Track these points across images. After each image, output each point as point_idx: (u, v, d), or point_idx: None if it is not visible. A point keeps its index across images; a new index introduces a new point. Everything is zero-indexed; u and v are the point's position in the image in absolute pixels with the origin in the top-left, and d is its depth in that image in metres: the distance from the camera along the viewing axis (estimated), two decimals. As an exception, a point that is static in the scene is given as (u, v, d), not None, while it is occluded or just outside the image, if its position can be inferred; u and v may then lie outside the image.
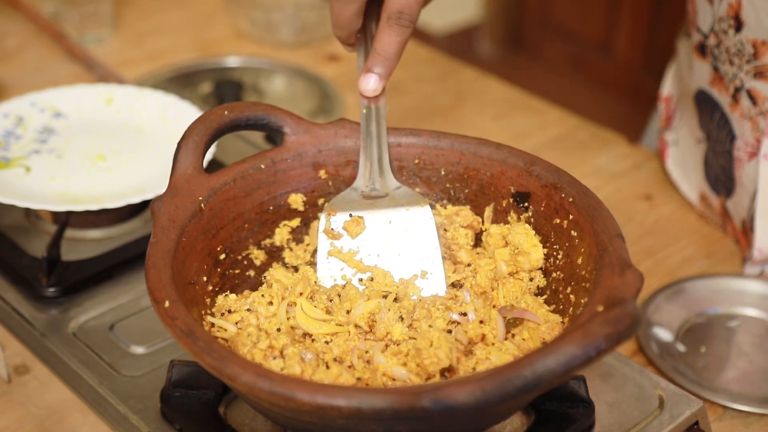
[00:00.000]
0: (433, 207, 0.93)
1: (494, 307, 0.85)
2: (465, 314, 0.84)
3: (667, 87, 1.30)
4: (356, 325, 0.83)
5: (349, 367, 0.79)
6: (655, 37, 2.93)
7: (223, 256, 0.87)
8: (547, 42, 3.33)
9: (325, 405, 0.67)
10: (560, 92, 3.08)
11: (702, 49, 1.13)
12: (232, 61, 1.53)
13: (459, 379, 0.66)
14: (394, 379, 0.77)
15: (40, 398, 0.93)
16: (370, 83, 0.89)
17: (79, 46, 1.53)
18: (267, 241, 0.91)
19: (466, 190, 0.92)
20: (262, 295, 0.84)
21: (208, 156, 1.09)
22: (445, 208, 0.93)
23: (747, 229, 1.14)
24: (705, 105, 1.17)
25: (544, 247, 0.87)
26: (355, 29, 0.90)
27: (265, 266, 0.91)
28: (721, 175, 1.17)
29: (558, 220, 0.86)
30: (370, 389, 0.69)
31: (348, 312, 0.83)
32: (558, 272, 0.85)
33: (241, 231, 0.89)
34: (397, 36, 0.88)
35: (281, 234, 0.92)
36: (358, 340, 0.82)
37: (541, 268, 0.87)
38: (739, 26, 1.06)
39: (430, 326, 0.81)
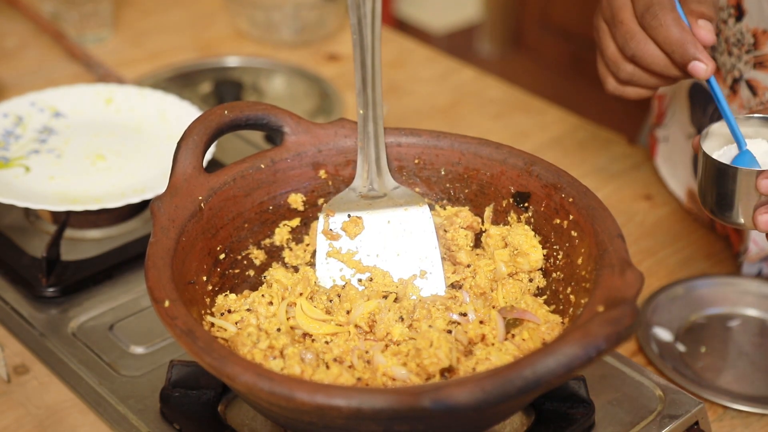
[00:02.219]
0: (432, 207, 0.93)
1: (494, 307, 0.85)
2: (465, 314, 0.84)
3: None
4: (356, 326, 0.83)
5: (349, 367, 0.79)
6: (655, 37, 2.92)
7: (222, 256, 0.87)
8: (547, 42, 3.33)
9: (324, 405, 0.67)
10: (560, 92, 3.08)
11: None
12: (232, 61, 1.53)
13: (459, 379, 0.66)
14: (394, 379, 0.77)
15: (39, 398, 0.93)
16: (701, 69, 0.90)
17: (78, 46, 1.53)
18: (267, 241, 0.91)
19: (466, 190, 0.92)
20: (262, 295, 0.84)
21: (208, 156, 1.09)
22: (445, 209, 0.93)
23: None
24: (699, 98, 1.17)
25: (544, 247, 0.87)
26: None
27: (264, 266, 0.91)
28: None
29: (558, 221, 0.86)
30: (370, 389, 0.69)
31: (348, 312, 0.83)
32: (558, 272, 0.85)
33: (241, 231, 0.89)
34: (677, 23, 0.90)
35: (281, 234, 0.92)
36: (358, 340, 0.82)
37: (540, 269, 0.87)
38: (740, 15, 1.06)
39: (430, 326, 0.81)
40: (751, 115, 0.89)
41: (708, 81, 0.91)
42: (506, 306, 0.84)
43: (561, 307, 0.83)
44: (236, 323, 0.81)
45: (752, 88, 1.07)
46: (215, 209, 0.86)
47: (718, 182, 0.87)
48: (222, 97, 1.43)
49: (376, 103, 0.88)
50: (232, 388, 0.78)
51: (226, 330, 0.81)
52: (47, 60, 1.53)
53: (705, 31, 0.91)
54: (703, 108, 1.16)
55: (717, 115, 1.13)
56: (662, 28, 0.90)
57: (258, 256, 0.90)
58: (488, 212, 0.91)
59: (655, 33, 0.91)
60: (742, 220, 0.87)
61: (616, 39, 0.95)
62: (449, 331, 0.81)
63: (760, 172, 0.84)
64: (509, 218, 0.90)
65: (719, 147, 0.90)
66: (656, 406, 0.89)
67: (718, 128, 0.90)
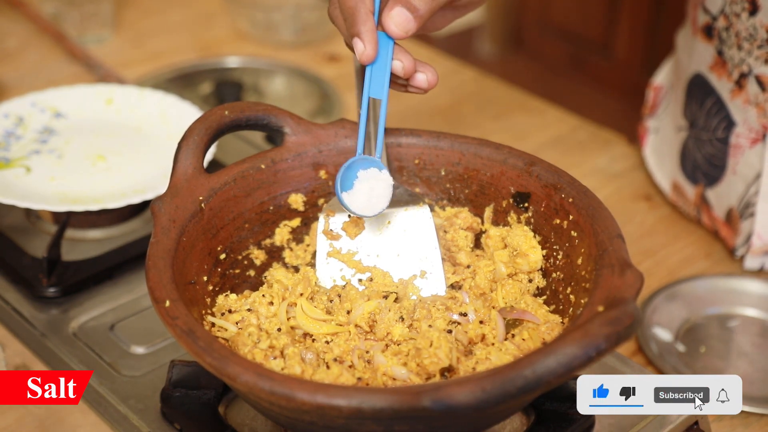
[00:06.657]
0: (432, 208, 0.93)
1: (493, 308, 0.85)
2: (465, 314, 0.84)
3: (660, 77, 1.30)
4: (356, 326, 0.83)
5: (350, 367, 0.79)
6: (655, 37, 2.93)
7: (223, 256, 0.87)
8: (547, 42, 3.33)
9: (325, 405, 0.67)
10: (560, 92, 3.08)
11: (708, 31, 1.12)
12: (232, 62, 1.53)
13: (459, 379, 0.66)
14: (394, 379, 0.77)
15: (40, 398, 0.93)
16: (358, 47, 0.77)
17: (79, 47, 1.53)
18: (267, 241, 0.91)
19: (466, 191, 0.92)
20: (263, 295, 0.84)
21: (209, 156, 1.09)
22: (444, 209, 0.93)
23: (734, 218, 1.13)
24: (697, 91, 1.16)
25: (543, 247, 0.87)
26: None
27: (265, 266, 0.91)
28: (703, 163, 1.16)
29: (558, 221, 0.86)
30: (370, 389, 0.69)
31: (348, 312, 0.83)
32: (558, 272, 0.85)
33: (242, 231, 0.89)
34: None
35: (281, 234, 0.92)
36: (359, 340, 0.82)
37: (540, 269, 0.87)
38: (754, 10, 1.04)
39: (430, 326, 0.81)
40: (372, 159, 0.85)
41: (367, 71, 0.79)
42: (506, 306, 0.84)
43: (561, 307, 0.84)
44: (237, 323, 0.82)
45: (762, 83, 1.07)
46: (216, 209, 0.86)
47: None
48: (222, 97, 1.43)
49: (376, 104, 0.88)
50: (233, 388, 0.78)
51: (226, 330, 0.81)
52: (48, 60, 1.53)
53: (395, 22, 0.77)
54: (701, 102, 1.15)
55: (715, 110, 1.13)
56: None
57: (258, 256, 0.91)
58: (488, 212, 0.91)
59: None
60: None
61: None
62: (449, 331, 0.81)
63: None
64: (509, 218, 0.90)
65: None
66: (656, 405, 0.89)
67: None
